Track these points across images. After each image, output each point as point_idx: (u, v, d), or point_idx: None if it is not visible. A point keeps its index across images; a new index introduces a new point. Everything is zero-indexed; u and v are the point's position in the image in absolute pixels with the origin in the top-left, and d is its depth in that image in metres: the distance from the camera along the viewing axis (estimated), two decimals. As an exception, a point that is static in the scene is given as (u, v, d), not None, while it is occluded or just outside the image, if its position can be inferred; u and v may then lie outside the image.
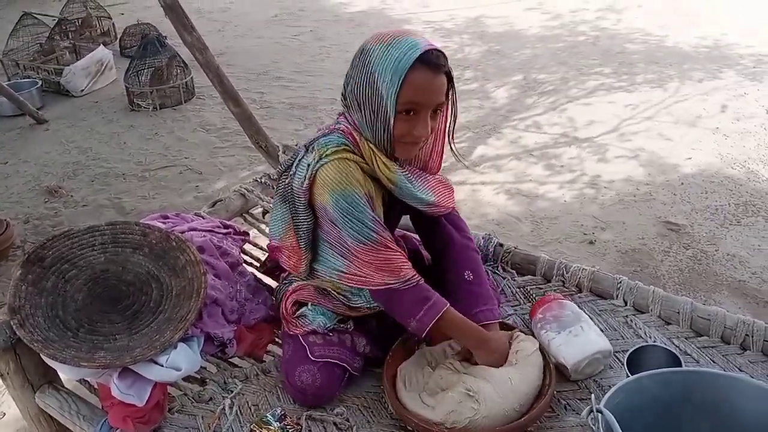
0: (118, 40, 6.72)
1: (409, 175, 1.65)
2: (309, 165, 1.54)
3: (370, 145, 1.55)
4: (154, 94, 5.21)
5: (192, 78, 5.41)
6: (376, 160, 1.56)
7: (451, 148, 1.71)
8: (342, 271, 1.62)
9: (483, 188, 3.92)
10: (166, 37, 5.79)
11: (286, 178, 1.63)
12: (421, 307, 1.55)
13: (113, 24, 7.13)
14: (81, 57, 5.78)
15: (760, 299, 2.88)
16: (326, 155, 1.53)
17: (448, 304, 1.58)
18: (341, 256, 1.60)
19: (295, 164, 1.60)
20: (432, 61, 1.46)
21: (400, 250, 1.60)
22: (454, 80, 1.56)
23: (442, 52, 1.49)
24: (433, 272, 1.79)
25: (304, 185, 1.55)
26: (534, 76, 5.73)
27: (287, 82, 5.81)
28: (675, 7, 7.68)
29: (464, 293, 1.72)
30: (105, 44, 6.38)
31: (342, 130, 1.57)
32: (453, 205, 1.81)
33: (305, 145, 1.61)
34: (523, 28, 7.20)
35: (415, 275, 1.58)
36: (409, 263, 1.60)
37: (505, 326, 1.77)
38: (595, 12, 7.68)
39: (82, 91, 5.58)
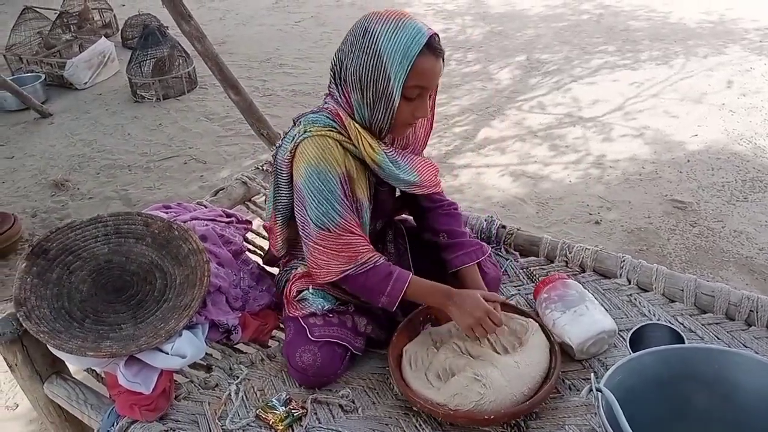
0: (119, 32, 6.71)
1: (394, 154, 1.67)
2: (293, 138, 1.59)
3: (356, 125, 1.58)
4: (156, 84, 5.20)
5: (194, 68, 5.40)
6: (362, 141, 1.58)
7: None
8: (306, 258, 1.66)
9: (487, 171, 3.90)
10: (167, 27, 5.77)
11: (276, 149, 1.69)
12: (387, 282, 1.60)
13: (114, 16, 7.12)
14: (83, 50, 5.78)
15: (768, 275, 2.87)
16: (309, 130, 1.56)
17: (412, 273, 1.63)
18: (305, 242, 1.63)
19: (282, 137, 1.66)
20: (436, 46, 1.51)
21: (362, 235, 1.63)
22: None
23: (438, 36, 1.54)
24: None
25: (286, 157, 1.60)
26: (537, 56, 5.69)
27: (290, 69, 5.79)
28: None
29: (440, 253, 1.79)
30: (107, 36, 6.37)
31: (329, 110, 1.60)
32: (438, 186, 1.82)
33: (293, 119, 1.66)
34: (525, 8, 7.14)
35: (372, 257, 1.61)
36: (369, 246, 1.63)
37: (511, 308, 1.76)
38: (598, -10, 7.59)
39: (86, 83, 5.59)
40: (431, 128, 1.81)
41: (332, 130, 1.57)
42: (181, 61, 5.37)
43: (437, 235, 1.81)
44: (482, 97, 4.93)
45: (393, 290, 1.60)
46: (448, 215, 1.84)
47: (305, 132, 1.57)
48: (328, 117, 1.59)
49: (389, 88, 1.50)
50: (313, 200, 1.56)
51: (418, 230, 1.90)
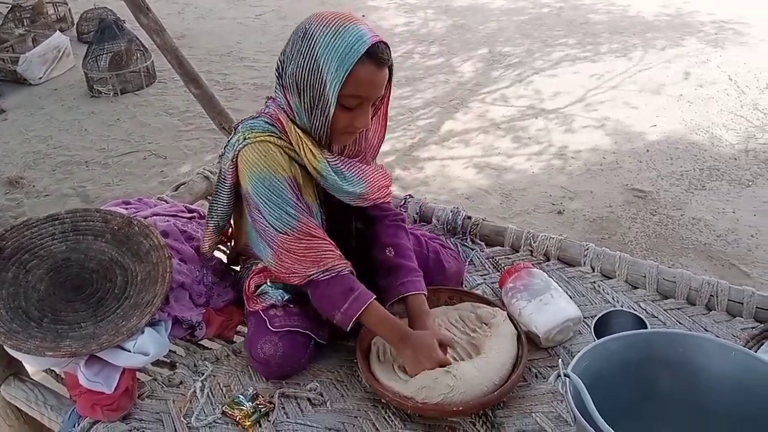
0: (75, 26, 6.55)
1: (340, 164, 1.60)
2: (233, 145, 1.55)
3: (298, 131, 1.53)
4: (114, 79, 5.09)
5: (153, 62, 5.30)
6: (304, 147, 1.53)
7: None
8: (271, 262, 1.61)
9: (452, 163, 3.92)
10: (124, 21, 5.65)
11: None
12: (346, 298, 1.53)
13: (69, 9, 6.95)
14: (37, 44, 5.62)
15: (726, 261, 2.94)
16: (248, 137, 1.52)
17: (374, 297, 1.56)
18: (268, 246, 1.58)
19: (224, 144, 1.61)
20: (378, 55, 1.43)
21: (326, 238, 1.58)
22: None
23: (387, 45, 1.47)
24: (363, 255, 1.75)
25: (229, 166, 1.56)
26: (499, 49, 5.72)
27: (251, 62, 5.73)
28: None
29: (385, 270, 1.69)
30: (62, 30, 6.22)
31: (270, 115, 1.56)
32: (387, 196, 1.76)
33: (234, 126, 1.61)
34: (487, 1, 7.18)
35: (338, 264, 1.56)
36: (336, 253, 1.57)
37: (478, 299, 1.77)
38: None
39: (40, 78, 5.44)
40: (384, 134, 1.74)
41: (272, 135, 1.53)
42: (139, 55, 5.26)
43: (384, 249, 1.71)
44: (445, 89, 4.94)
45: (349, 309, 1.53)
46: (396, 227, 1.76)
47: (244, 139, 1.52)
48: (266, 122, 1.55)
49: (325, 95, 1.45)
50: (266, 207, 1.52)
51: (365, 242, 1.79)
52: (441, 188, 3.63)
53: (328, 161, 1.56)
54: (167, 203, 2.14)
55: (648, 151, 3.91)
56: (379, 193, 1.71)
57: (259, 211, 1.54)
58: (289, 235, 1.53)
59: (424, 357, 1.50)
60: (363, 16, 6.80)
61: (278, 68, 1.54)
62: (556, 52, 5.57)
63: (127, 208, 1.98)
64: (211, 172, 2.42)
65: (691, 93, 4.65)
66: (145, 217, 1.90)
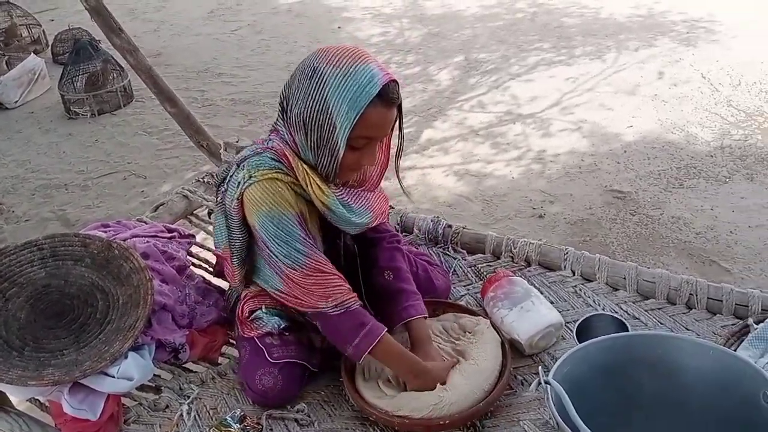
0: (49, 47, 6.51)
1: (345, 196, 1.59)
2: (239, 183, 1.50)
3: (305, 167, 1.50)
4: (90, 100, 5.06)
5: (129, 81, 5.27)
6: (311, 183, 1.50)
7: (397, 175, 1.68)
8: (280, 291, 1.58)
9: (432, 171, 3.93)
10: (99, 41, 5.61)
11: (222, 192, 1.59)
12: (357, 333, 1.52)
13: (43, 31, 6.89)
14: (12, 67, 5.57)
15: (706, 258, 2.97)
16: (254, 175, 1.48)
17: (385, 330, 1.55)
18: (276, 274, 1.56)
19: (227, 180, 1.56)
20: (389, 96, 1.42)
21: (335, 273, 1.55)
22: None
23: (397, 83, 1.45)
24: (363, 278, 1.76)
25: (234, 204, 1.52)
26: (475, 56, 5.76)
27: (228, 78, 5.71)
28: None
29: (385, 294, 1.69)
30: (36, 52, 6.16)
31: (275, 150, 1.52)
32: (385, 219, 1.77)
33: (236, 162, 1.56)
34: (461, 8, 7.22)
35: (348, 300, 1.53)
36: (346, 287, 1.55)
37: (461, 310, 1.78)
38: (531, -12, 7.74)
39: (16, 102, 5.39)
40: (387, 162, 1.71)
41: (279, 172, 1.49)
42: (115, 75, 5.23)
43: (382, 272, 1.72)
44: (423, 98, 4.96)
45: (362, 343, 1.51)
46: (393, 249, 1.76)
47: (250, 177, 1.48)
48: (273, 158, 1.51)
49: (334, 137, 1.42)
50: (274, 244, 1.49)
51: (363, 265, 1.78)
52: (422, 197, 3.64)
53: (335, 195, 1.54)
54: (147, 224, 2.14)
55: (625, 151, 3.95)
56: (381, 217, 1.72)
57: (267, 247, 1.51)
58: (297, 271, 1.50)
59: (431, 386, 1.52)
60: (339, 27, 6.83)
61: (282, 104, 1.50)
62: (531, 57, 5.62)
63: (106, 231, 1.97)
64: (190, 191, 2.41)
65: (665, 92, 4.71)
66: (125, 239, 1.89)
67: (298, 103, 1.44)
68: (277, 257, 1.50)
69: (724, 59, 5.17)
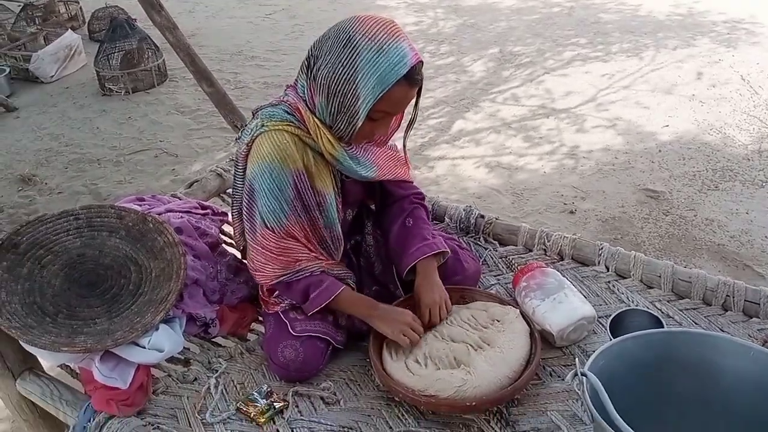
0: (86, 25, 6.57)
1: (354, 149, 1.63)
2: (251, 130, 1.56)
3: (317, 120, 1.53)
4: (125, 77, 5.11)
5: (164, 60, 5.31)
6: (321, 137, 1.54)
7: (404, 145, 1.75)
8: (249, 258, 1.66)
9: (463, 162, 3.91)
10: (135, 19, 5.67)
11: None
12: (316, 288, 1.61)
13: (81, 8, 6.97)
14: (49, 43, 5.64)
15: (739, 262, 2.91)
16: (266, 125, 1.53)
17: (344, 287, 1.63)
18: (249, 234, 1.62)
19: (241, 130, 1.63)
20: (414, 77, 1.46)
21: (307, 245, 1.62)
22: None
23: (422, 62, 1.49)
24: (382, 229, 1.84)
25: (243, 150, 1.58)
26: (510, 49, 5.70)
27: (261, 61, 5.73)
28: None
29: (401, 238, 1.75)
30: (73, 29, 6.24)
31: (289, 103, 1.56)
32: (404, 174, 1.79)
33: (252, 111, 1.62)
34: (497, 0, 7.16)
35: (309, 266, 1.61)
36: (311, 256, 1.62)
37: (491, 298, 1.76)
38: (569, -17, 7.64)
39: (52, 77, 5.46)
40: (398, 125, 1.76)
41: (290, 125, 1.53)
42: (150, 53, 5.27)
43: (403, 220, 1.77)
44: (456, 89, 4.93)
45: (318, 298, 1.61)
46: (417, 204, 1.82)
47: (262, 126, 1.53)
48: (286, 111, 1.55)
49: (356, 108, 1.45)
50: (263, 196, 1.54)
51: (381, 218, 1.86)
52: (452, 187, 3.62)
53: (344, 148, 1.59)
54: (180, 200, 2.15)
55: (660, 151, 3.89)
56: (392, 172, 1.74)
57: (252, 201, 1.57)
58: (274, 232, 1.56)
59: (393, 319, 1.59)
60: (373, 15, 6.79)
61: (308, 62, 1.52)
62: (567, 52, 5.55)
63: (141, 205, 1.98)
64: (224, 170, 2.42)
65: (703, 93, 4.62)
66: (159, 214, 1.90)
67: (327, 65, 1.46)
68: (259, 212, 1.56)
69: (765, 62, 5.06)
